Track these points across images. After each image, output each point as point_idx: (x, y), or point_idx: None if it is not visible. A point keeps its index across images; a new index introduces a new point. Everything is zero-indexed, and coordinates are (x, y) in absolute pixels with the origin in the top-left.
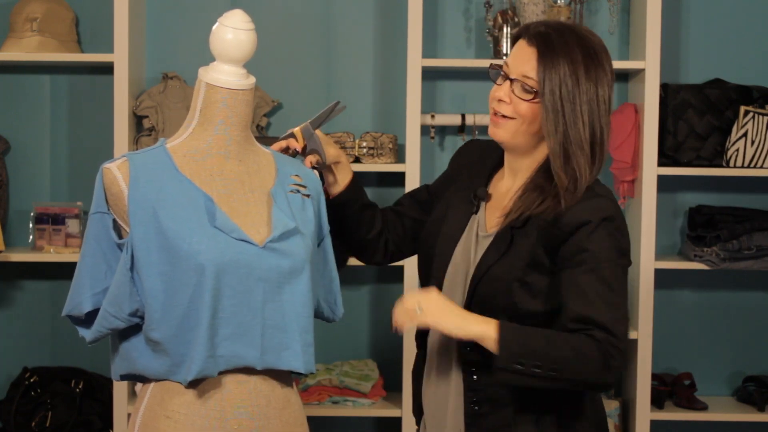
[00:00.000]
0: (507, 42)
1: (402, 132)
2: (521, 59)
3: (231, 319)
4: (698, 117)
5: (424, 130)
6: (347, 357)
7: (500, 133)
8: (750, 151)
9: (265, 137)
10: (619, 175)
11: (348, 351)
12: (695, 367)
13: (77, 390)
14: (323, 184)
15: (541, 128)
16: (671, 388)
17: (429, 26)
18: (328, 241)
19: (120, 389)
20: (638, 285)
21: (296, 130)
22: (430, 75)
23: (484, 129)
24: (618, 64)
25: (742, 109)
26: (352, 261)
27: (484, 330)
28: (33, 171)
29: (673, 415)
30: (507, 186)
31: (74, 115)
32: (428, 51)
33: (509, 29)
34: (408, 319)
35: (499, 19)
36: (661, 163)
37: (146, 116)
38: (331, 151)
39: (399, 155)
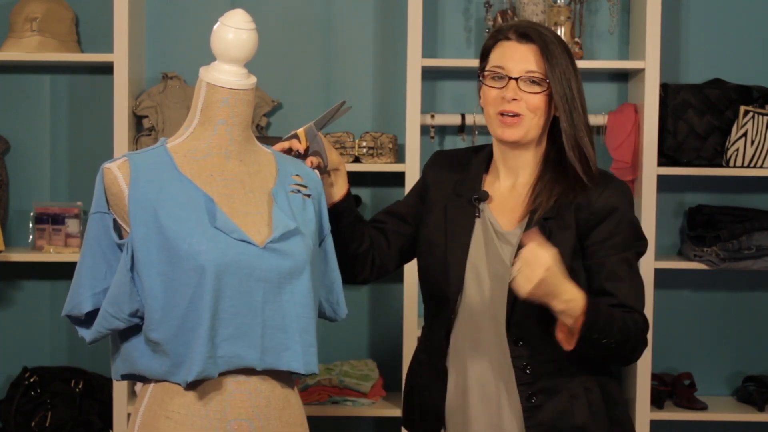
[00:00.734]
0: None
1: (402, 132)
2: (520, 58)
3: (231, 319)
4: (698, 117)
5: (424, 130)
6: (347, 357)
7: (515, 132)
8: (750, 151)
9: (265, 137)
10: (619, 175)
11: (348, 351)
12: (695, 367)
13: (77, 390)
14: None
15: (546, 120)
16: (671, 388)
17: (429, 26)
18: (329, 241)
19: (120, 389)
20: None
21: (300, 131)
22: (430, 75)
23: (484, 129)
24: (618, 64)
25: (742, 109)
26: None
27: (576, 296)
28: (33, 171)
29: (672, 415)
30: (507, 185)
31: (74, 115)
32: (428, 51)
33: None
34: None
35: (499, 19)
36: (661, 163)
37: (146, 116)
38: (333, 158)
39: (399, 155)
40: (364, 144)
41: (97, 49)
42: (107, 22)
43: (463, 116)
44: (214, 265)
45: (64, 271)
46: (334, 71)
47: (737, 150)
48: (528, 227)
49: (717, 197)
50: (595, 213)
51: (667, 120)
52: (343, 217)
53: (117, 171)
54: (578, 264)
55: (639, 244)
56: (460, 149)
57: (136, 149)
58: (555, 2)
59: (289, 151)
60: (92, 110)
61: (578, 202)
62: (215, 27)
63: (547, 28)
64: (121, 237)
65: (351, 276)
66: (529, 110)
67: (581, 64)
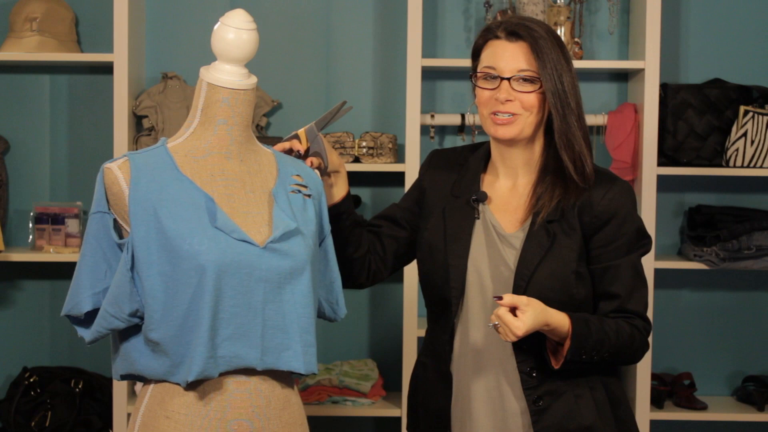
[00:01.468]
0: None
1: (402, 132)
2: (511, 57)
3: (231, 319)
4: (698, 117)
5: (424, 129)
6: (347, 357)
7: (509, 130)
8: (750, 151)
9: (265, 137)
10: (619, 174)
11: (348, 351)
12: (695, 366)
13: (77, 390)
14: None
15: (540, 118)
16: (671, 388)
17: (429, 26)
18: (329, 242)
19: (120, 389)
20: None
21: (300, 131)
22: (430, 75)
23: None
24: (618, 64)
25: (742, 108)
26: None
27: (560, 321)
28: (33, 171)
29: (672, 414)
30: (506, 185)
31: (74, 115)
32: (428, 51)
33: None
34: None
35: (499, 19)
36: (660, 163)
37: (146, 116)
38: (333, 159)
39: (399, 155)
40: (364, 144)
41: (97, 49)
42: (107, 22)
43: (462, 116)
44: (215, 265)
45: (64, 271)
46: (334, 71)
47: (737, 150)
48: (531, 230)
49: (717, 197)
50: (597, 216)
51: (667, 120)
52: (341, 219)
53: (117, 171)
54: (583, 268)
55: (643, 243)
56: (457, 147)
57: (136, 149)
58: (555, 2)
59: (289, 152)
60: (92, 110)
61: (581, 204)
62: (216, 27)
63: (539, 22)
64: (121, 237)
65: (347, 280)
66: (524, 109)
67: (581, 64)
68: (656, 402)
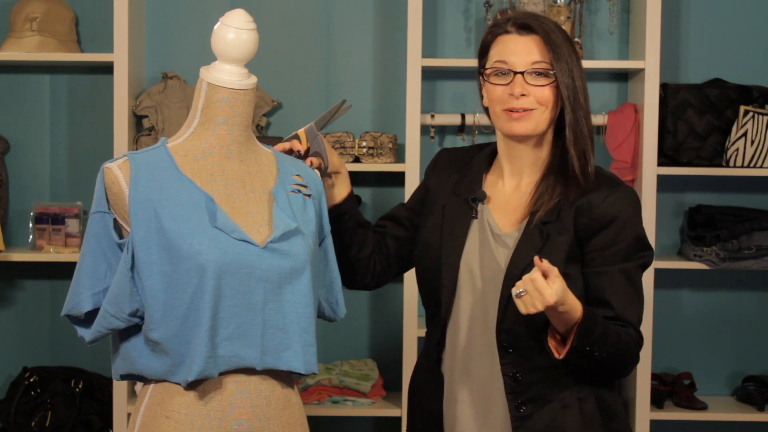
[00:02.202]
0: None
1: (402, 132)
2: (523, 50)
3: (231, 319)
4: (698, 117)
5: (424, 129)
6: (347, 357)
7: (525, 125)
8: (750, 151)
9: (264, 137)
10: (619, 174)
11: (348, 351)
12: (695, 366)
13: (77, 390)
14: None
15: (553, 114)
16: (671, 388)
17: (429, 26)
18: (329, 241)
19: (120, 389)
20: None
21: (300, 131)
22: (430, 75)
23: (483, 129)
24: (618, 64)
25: (742, 108)
26: None
27: (575, 303)
28: (33, 171)
29: (672, 414)
30: (511, 185)
31: (74, 115)
32: (428, 51)
33: None
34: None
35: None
36: (660, 163)
37: (146, 116)
38: (334, 160)
39: (399, 155)
40: (364, 144)
41: (97, 49)
42: (107, 22)
43: (463, 116)
44: (215, 264)
45: (64, 271)
46: (334, 71)
47: (737, 150)
48: (527, 229)
49: (717, 197)
50: (595, 219)
51: (667, 120)
52: (343, 220)
53: (117, 171)
54: (574, 270)
55: (642, 255)
56: (465, 147)
57: (136, 149)
58: (555, 2)
59: (290, 152)
60: (92, 110)
61: (578, 204)
62: (216, 27)
63: (546, 18)
64: (121, 237)
65: (351, 282)
66: (539, 104)
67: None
68: (656, 402)
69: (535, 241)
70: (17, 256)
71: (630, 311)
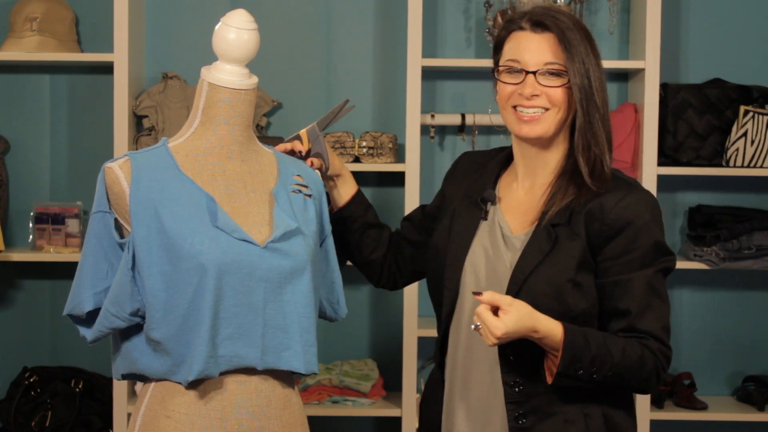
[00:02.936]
0: None
1: (402, 132)
2: (536, 49)
3: (232, 319)
4: (698, 117)
5: (424, 129)
6: (347, 357)
7: (534, 128)
8: (750, 151)
9: (265, 137)
10: None
11: (348, 351)
12: (695, 366)
13: (77, 390)
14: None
15: (566, 115)
16: (671, 388)
17: (429, 26)
18: (330, 242)
19: (120, 389)
20: None
21: (302, 132)
22: (430, 75)
23: (484, 129)
24: (618, 64)
25: (742, 108)
26: None
27: (550, 329)
28: (33, 171)
29: (672, 414)
30: (524, 187)
31: (74, 115)
32: (428, 51)
33: None
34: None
35: (499, 19)
36: (661, 163)
37: (146, 116)
38: (334, 162)
39: (399, 155)
40: (364, 144)
41: (97, 49)
42: (107, 22)
43: (463, 116)
44: (216, 264)
45: (64, 271)
46: (334, 71)
47: (737, 150)
48: (535, 232)
49: (717, 197)
50: (608, 225)
51: (667, 120)
52: (348, 223)
53: (118, 170)
54: (585, 278)
55: (663, 260)
56: (486, 150)
57: (136, 149)
58: (555, 2)
59: (291, 153)
60: (92, 110)
61: (589, 208)
62: (217, 27)
63: (565, 12)
64: (122, 236)
65: (372, 281)
66: (551, 104)
67: None
68: (656, 402)
69: (543, 244)
70: (17, 256)
71: (649, 320)
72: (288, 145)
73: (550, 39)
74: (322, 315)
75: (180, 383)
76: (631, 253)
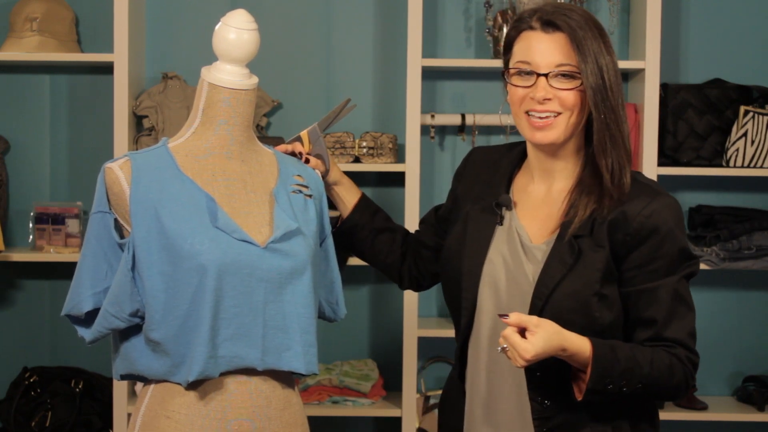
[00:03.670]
0: None
1: (402, 132)
2: (547, 50)
3: (232, 319)
4: (698, 117)
5: (424, 130)
6: (347, 357)
7: (548, 134)
8: (750, 151)
9: (265, 137)
10: None
11: (348, 351)
12: None
13: (77, 390)
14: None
15: (581, 118)
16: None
17: (429, 26)
18: (329, 242)
19: (120, 389)
20: None
21: (303, 133)
22: (430, 75)
23: (484, 129)
24: (618, 64)
25: (742, 108)
26: (353, 261)
27: (579, 346)
28: (33, 171)
29: (673, 414)
30: (541, 190)
31: (74, 115)
32: (428, 51)
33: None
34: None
35: (499, 19)
36: (661, 163)
37: (146, 116)
38: (333, 170)
39: (399, 155)
40: (364, 144)
41: (97, 49)
42: (107, 22)
43: (463, 116)
44: (216, 265)
45: (64, 271)
46: (334, 71)
47: (737, 150)
48: (556, 243)
49: (717, 197)
50: (633, 233)
51: (667, 120)
52: (356, 231)
53: (119, 170)
54: (610, 290)
55: (687, 265)
56: (497, 146)
57: (137, 149)
58: (558, 2)
59: (291, 154)
60: (92, 110)
61: (612, 218)
62: (217, 27)
63: (576, 9)
64: (122, 236)
65: (396, 283)
66: (564, 108)
67: None
68: None
69: (566, 257)
70: (17, 256)
71: (675, 328)
72: (288, 147)
73: (561, 39)
74: (320, 315)
75: (180, 384)
76: (657, 262)
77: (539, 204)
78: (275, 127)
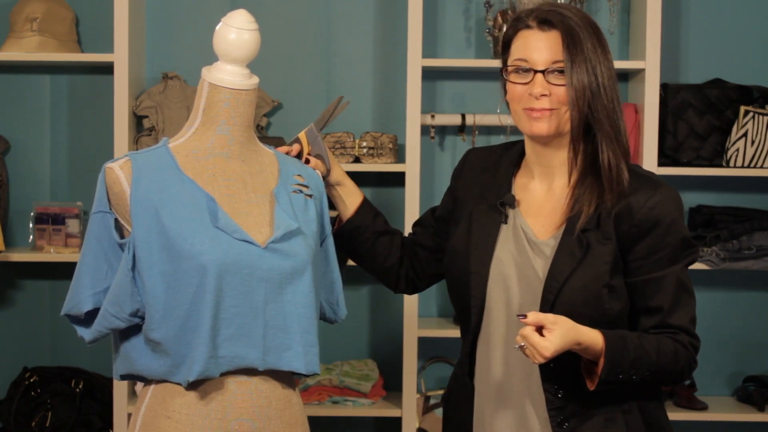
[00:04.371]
0: None
1: (402, 132)
2: (544, 48)
3: (233, 319)
4: (698, 117)
5: (424, 130)
6: (347, 357)
7: (545, 125)
8: (750, 151)
9: (265, 137)
10: None
11: (348, 351)
12: None
13: (77, 390)
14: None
15: (575, 113)
16: (671, 388)
17: (429, 26)
18: (330, 242)
19: (120, 389)
20: None
21: (301, 134)
22: (430, 75)
23: (484, 129)
24: (618, 64)
25: (742, 109)
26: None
27: (592, 339)
28: (33, 171)
29: (673, 415)
30: (542, 187)
31: (74, 115)
32: (428, 51)
33: None
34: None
35: (499, 19)
36: (661, 163)
37: (146, 116)
38: (335, 169)
39: (399, 155)
40: (364, 144)
41: (97, 49)
42: (107, 22)
43: (463, 116)
44: (216, 265)
45: (64, 271)
46: (334, 71)
47: (737, 150)
48: (564, 238)
49: (717, 197)
50: (638, 225)
51: (667, 120)
52: (358, 234)
53: (119, 170)
54: (618, 281)
55: (689, 253)
56: (493, 146)
57: (137, 149)
58: (555, 2)
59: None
60: (92, 110)
61: (618, 210)
62: (218, 27)
63: (572, 9)
64: (122, 236)
65: (389, 287)
66: (560, 103)
67: None
68: None
69: (575, 251)
70: (17, 256)
71: (680, 315)
72: (288, 149)
73: (556, 37)
74: (321, 316)
75: (180, 384)
76: (661, 252)
77: (541, 201)
78: (275, 127)
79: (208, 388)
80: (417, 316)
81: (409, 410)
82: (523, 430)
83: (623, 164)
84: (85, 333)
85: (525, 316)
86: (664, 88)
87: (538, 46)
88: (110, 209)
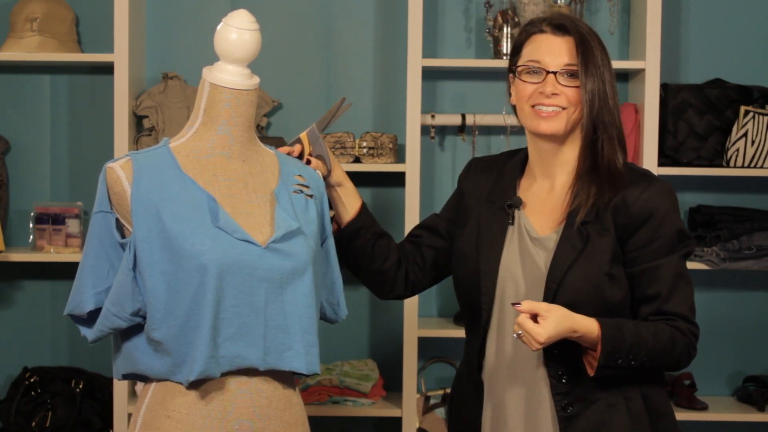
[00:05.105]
0: (507, 42)
1: (402, 132)
2: (558, 51)
3: (233, 319)
4: (698, 117)
5: (424, 130)
6: (347, 357)
7: (554, 124)
8: (750, 151)
9: (265, 137)
10: None
11: (348, 351)
12: (695, 367)
13: (77, 390)
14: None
15: (581, 114)
16: (671, 388)
17: (429, 26)
18: (330, 242)
19: (120, 389)
20: None
21: (302, 135)
22: (430, 75)
23: (484, 129)
24: (618, 64)
25: (742, 109)
26: None
27: (588, 327)
28: (33, 171)
29: None
30: (544, 188)
31: (74, 115)
32: (428, 51)
33: (509, 29)
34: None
35: (499, 19)
36: (661, 163)
37: (146, 116)
38: (337, 171)
39: (399, 155)
40: (364, 144)
41: (97, 49)
42: (107, 22)
43: (463, 116)
44: (217, 264)
45: (65, 271)
46: (334, 71)
47: (737, 150)
48: (564, 231)
49: (717, 197)
50: (633, 217)
51: (667, 120)
52: (360, 235)
53: (120, 170)
54: (618, 270)
55: (684, 245)
56: (496, 155)
57: (137, 149)
58: (555, 2)
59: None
60: (92, 110)
61: (614, 203)
62: (219, 27)
63: (582, 21)
64: (123, 236)
65: (381, 292)
66: (570, 104)
67: None
68: None
69: (575, 242)
70: (17, 256)
71: (676, 302)
72: (289, 149)
73: (570, 42)
74: (321, 316)
75: (181, 383)
76: (657, 242)
77: (544, 199)
78: (275, 127)
79: (209, 388)
80: (417, 316)
81: (409, 410)
82: (534, 416)
83: (621, 161)
84: (88, 333)
85: (519, 304)
86: (664, 88)
87: (551, 49)
88: (111, 209)
